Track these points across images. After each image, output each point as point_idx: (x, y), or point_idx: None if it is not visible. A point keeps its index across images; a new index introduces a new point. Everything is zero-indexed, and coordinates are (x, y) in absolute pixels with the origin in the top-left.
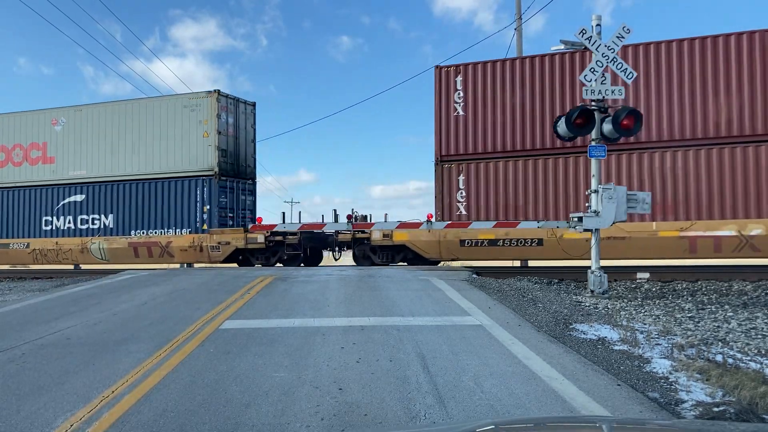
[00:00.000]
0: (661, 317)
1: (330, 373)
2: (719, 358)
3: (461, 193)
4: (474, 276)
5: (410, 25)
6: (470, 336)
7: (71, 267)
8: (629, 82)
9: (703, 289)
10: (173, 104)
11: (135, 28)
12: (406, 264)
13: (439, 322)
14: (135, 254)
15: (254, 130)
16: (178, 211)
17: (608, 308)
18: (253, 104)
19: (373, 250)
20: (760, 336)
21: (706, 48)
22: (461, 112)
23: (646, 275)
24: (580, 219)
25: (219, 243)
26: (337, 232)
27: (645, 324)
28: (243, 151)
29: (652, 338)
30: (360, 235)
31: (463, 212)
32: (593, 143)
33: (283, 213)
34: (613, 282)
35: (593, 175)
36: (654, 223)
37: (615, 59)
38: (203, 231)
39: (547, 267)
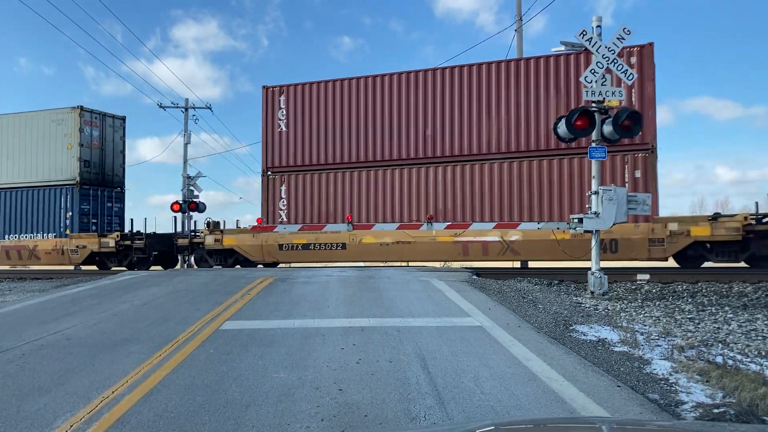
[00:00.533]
0: (661, 318)
1: (330, 374)
2: (719, 359)
3: (283, 201)
4: (474, 277)
5: (412, 25)
6: (470, 337)
7: (71, 268)
8: (629, 83)
9: (704, 291)
10: (43, 118)
11: (136, 28)
12: (239, 267)
13: (439, 323)
14: (7, 257)
15: (123, 142)
16: (45, 217)
17: (608, 309)
18: (123, 118)
19: (210, 253)
20: (760, 337)
21: (491, 71)
22: (284, 129)
23: (647, 276)
24: (581, 220)
25: (77, 246)
26: (177, 238)
27: (645, 325)
28: (110, 162)
29: (652, 339)
30: (196, 240)
31: (285, 219)
32: (593, 144)
33: (132, 219)
34: (613, 283)
35: (593, 177)
36: (434, 230)
37: (615, 60)
38: (65, 236)
39: (548, 268)
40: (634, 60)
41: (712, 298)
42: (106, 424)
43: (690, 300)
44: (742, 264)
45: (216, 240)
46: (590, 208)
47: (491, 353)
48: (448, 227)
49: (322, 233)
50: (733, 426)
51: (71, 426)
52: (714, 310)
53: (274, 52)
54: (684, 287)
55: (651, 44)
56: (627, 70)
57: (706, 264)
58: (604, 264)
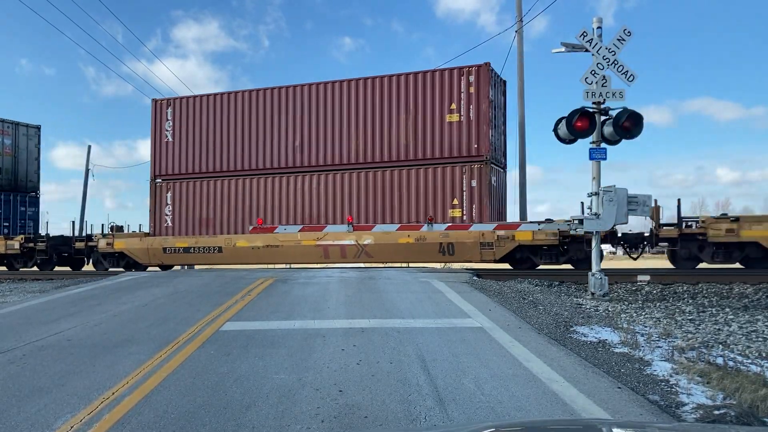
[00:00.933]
0: (661, 320)
1: (330, 375)
2: (720, 360)
3: (168, 207)
4: (475, 278)
5: (413, 26)
6: (471, 338)
7: (69, 269)
8: (629, 84)
9: (704, 292)
10: None
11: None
12: (133, 269)
13: (440, 324)
14: None
15: (38, 149)
16: None
17: (609, 311)
18: (37, 127)
19: (104, 256)
20: (760, 339)
21: (343, 89)
22: (170, 139)
23: (647, 278)
24: (581, 221)
25: None
26: (75, 241)
27: (645, 326)
28: (23, 169)
29: (652, 341)
30: (91, 243)
31: (170, 224)
32: (593, 146)
33: (47, 222)
34: (614, 284)
35: (593, 178)
36: (299, 233)
37: (615, 62)
38: None
39: (549, 269)
40: (472, 78)
41: (712, 300)
42: (107, 425)
43: (690, 301)
44: (739, 265)
45: (108, 243)
46: (590, 209)
47: (492, 354)
48: (302, 230)
49: (202, 237)
50: (734, 428)
51: (72, 427)
52: (714, 312)
53: (275, 52)
54: (684, 288)
55: (487, 64)
56: (627, 71)
57: (702, 264)
58: (439, 265)
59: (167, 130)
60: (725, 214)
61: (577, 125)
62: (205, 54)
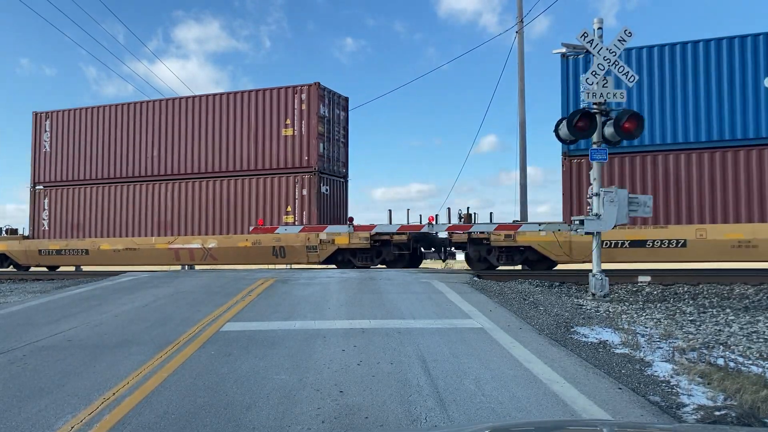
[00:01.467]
0: (662, 320)
1: (331, 376)
2: (720, 361)
3: (45, 212)
4: (475, 279)
5: (414, 26)
6: (471, 339)
7: (72, 269)
8: (631, 85)
9: (705, 293)
10: None
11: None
12: (14, 269)
13: (440, 324)
14: None
15: None
16: None
17: (609, 311)
18: None
19: None
20: (761, 340)
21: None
22: (48, 149)
23: (648, 278)
24: (582, 222)
25: None
26: None
27: (646, 327)
28: None
29: (653, 341)
30: None
31: (46, 228)
32: (594, 146)
33: None
34: (614, 285)
35: (594, 179)
36: (153, 237)
37: (617, 62)
38: None
39: (549, 270)
40: (304, 96)
41: (713, 300)
42: (107, 425)
43: (691, 302)
44: (741, 266)
45: None
46: (590, 209)
47: (492, 355)
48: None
49: (72, 240)
50: (735, 429)
51: (72, 427)
52: (715, 312)
53: (276, 53)
54: (685, 289)
55: (317, 83)
56: (628, 72)
57: (703, 265)
58: (271, 266)
59: (45, 141)
60: (517, 221)
61: (578, 126)
62: (206, 54)
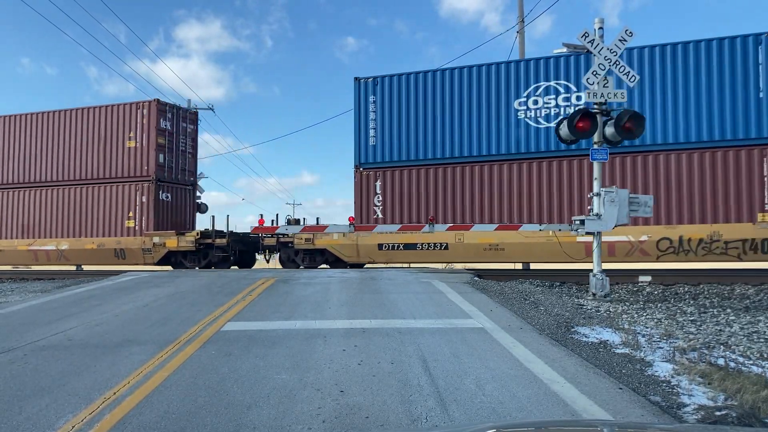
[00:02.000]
0: (662, 320)
1: (331, 376)
2: (721, 361)
3: None
4: (476, 279)
5: (416, 26)
6: (472, 339)
7: (73, 268)
8: (631, 86)
9: (705, 293)
10: None
11: (139, 29)
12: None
13: (441, 324)
14: None
15: None
16: None
17: (610, 311)
18: None
19: None
20: (762, 340)
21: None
22: None
23: (648, 278)
24: (582, 222)
25: None
26: None
27: (647, 327)
28: None
29: (653, 341)
30: None
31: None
32: (595, 146)
33: None
34: (615, 285)
35: (595, 179)
36: (16, 240)
37: (617, 63)
38: None
39: (550, 270)
40: (145, 112)
41: (713, 300)
42: (108, 425)
43: (692, 302)
44: (741, 266)
45: None
46: (591, 209)
47: (493, 355)
48: (22, 240)
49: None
50: (735, 429)
51: (73, 427)
52: (716, 312)
53: (278, 52)
54: (686, 289)
55: (156, 100)
56: (629, 72)
57: (704, 265)
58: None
59: None
60: (324, 224)
61: (579, 126)
62: (208, 54)
